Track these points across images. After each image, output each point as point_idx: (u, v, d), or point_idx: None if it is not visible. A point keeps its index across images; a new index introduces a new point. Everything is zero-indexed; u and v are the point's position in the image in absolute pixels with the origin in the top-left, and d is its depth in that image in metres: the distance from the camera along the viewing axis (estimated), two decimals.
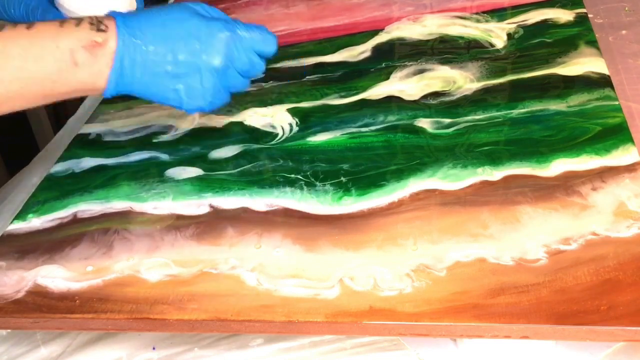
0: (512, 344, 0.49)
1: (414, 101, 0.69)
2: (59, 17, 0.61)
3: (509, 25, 0.79)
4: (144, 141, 0.70)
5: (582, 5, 0.80)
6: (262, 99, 0.74)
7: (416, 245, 0.51)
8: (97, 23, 0.51)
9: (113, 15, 0.52)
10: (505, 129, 0.63)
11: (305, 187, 0.60)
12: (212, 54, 0.53)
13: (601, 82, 0.66)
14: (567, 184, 0.55)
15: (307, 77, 0.76)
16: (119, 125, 0.74)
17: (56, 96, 0.51)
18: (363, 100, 0.71)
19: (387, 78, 0.73)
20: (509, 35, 0.77)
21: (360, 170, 0.61)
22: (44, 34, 0.49)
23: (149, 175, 0.64)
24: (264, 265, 0.52)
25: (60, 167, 0.69)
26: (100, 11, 0.62)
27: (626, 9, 0.85)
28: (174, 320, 0.49)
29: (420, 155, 0.61)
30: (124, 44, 0.51)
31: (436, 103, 0.68)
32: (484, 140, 0.61)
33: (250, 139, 0.68)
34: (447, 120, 0.65)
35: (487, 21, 0.81)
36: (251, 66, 0.55)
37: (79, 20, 0.51)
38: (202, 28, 0.53)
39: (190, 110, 0.55)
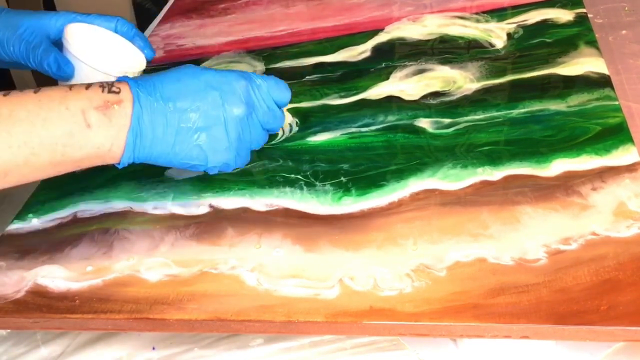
0: (512, 344, 0.49)
1: (414, 101, 0.69)
2: (60, 59, 0.60)
3: (509, 25, 0.79)
4: None
5: (582, 5, 0.80)
6: None
7: (416, 245, 0.51)
8: (108, 86, 0.49)
9: (124, 79, 0.50)
10: (505, 129, 0.63)
11: (305, 187, 0.60)
12: (234, 102, 0.51)
13: (601, 82, 0.66)
14: (567, 184, 0.55)
15: (307, 77, 0.76)
16: None
17: (68, 164, 0.48)
18: (363, 100, 0.71)
19: (387, 78, 0.73)
20: (509, 35, 0.78)
21: (360, 170, 0.61)
22: (52, 97, 0.47)
23: (149, 175, 0.64)
24: (264, 265, 0.52)
25: None
26: (110, 60, 0.60)
27: (626, 9, 0.85)
28: (174, 320, 0.49)
29: (420, 155, 0.61)
30: (140, 102, 0.48)
31: (436, 103, 0.68)
32: (484, 140, 0.61)
33: None
34: (447, 120, 0.65)
35: (487, 21, 0.81)
36: (272, 116, 0.55)
37: (88, 84, 0.49)
38: (218, 79, 0.52)
39: (214, 168, 0.53)
